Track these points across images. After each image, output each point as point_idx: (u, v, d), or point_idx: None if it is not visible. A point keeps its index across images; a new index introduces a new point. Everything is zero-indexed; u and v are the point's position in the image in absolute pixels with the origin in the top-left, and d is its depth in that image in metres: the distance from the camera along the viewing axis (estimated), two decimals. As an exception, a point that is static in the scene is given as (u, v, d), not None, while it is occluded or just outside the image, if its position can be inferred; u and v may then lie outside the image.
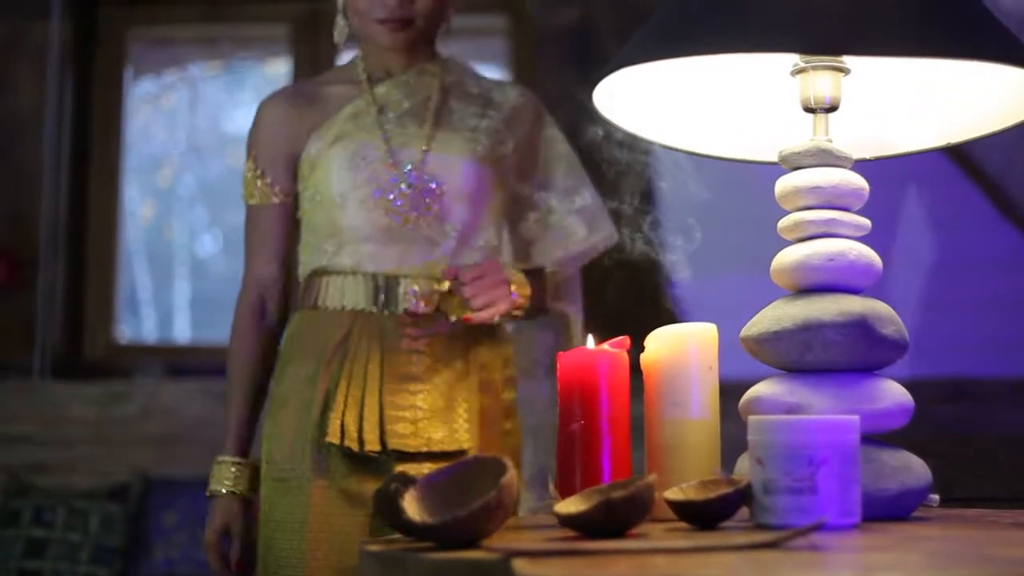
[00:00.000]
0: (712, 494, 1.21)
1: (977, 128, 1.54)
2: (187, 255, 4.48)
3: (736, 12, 1.37)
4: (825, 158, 1.42)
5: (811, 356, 1.37)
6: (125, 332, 4.27)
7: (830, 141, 1.43)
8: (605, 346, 1.37)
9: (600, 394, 1.34)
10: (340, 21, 2.03)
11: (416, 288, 1.95)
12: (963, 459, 3.48)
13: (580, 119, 1.76)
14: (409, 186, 1.97)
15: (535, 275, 2.01)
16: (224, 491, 1.97)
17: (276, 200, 2.04)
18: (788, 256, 1.42)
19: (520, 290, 1.94)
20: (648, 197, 2.03)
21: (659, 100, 1.59)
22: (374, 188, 1.96)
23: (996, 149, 3.67)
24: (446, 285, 1.92)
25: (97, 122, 4.25)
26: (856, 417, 1.20)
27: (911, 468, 1.36)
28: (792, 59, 1.46)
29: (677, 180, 1.90)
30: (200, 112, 4.49)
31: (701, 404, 1.37)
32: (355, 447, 1.88)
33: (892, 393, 1.38)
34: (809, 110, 1.46)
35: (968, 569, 0.92)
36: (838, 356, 1.36)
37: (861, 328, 1.35)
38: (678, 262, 2.05)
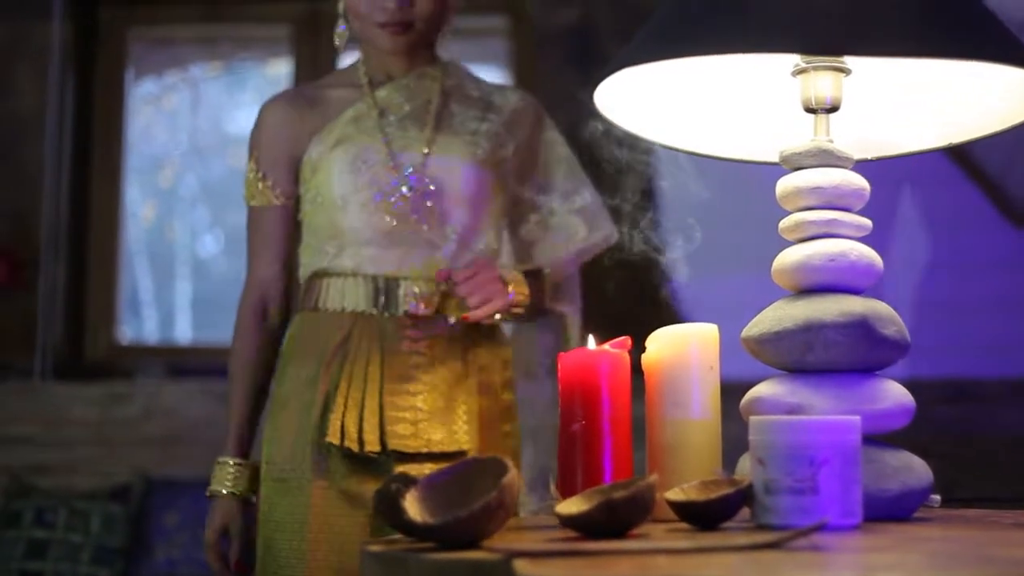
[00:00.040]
0: (713, 494, 1.21)
1: (977, 128, 1.54)
2: (188, 255, 4.48)
3: (737, 12, 1.37)
4: (826, 158, 1.42)
5: (812, 356, 1.37)
6: (126, 333, 4.27)
7: (831, 141, 1.43)
8: (606, 347, 1.37)
9: (601, 394, 1.34)
10: (341, 25, 2.04)
11: (416, 290, 1.95)
12: (964, 459, 3.48)
13: (581, 119, 1.76)
14: (410, 189, 1.97)
15: (534, 276, 2.02)
16: (224, 491, 1.98)
17: (277, 202, 2.05)
18: (789, 256, 1.42)
19: (518, 289, 1.94)
20: (649, 197, 2.03)
21: (660, 100, 1.59)
22: (375, 191, 1.97)
23: (996, 149, 3.67)
24: (444, 287, 1.93)
25: (98, 123, 4.26)
26: (857, 418, 1.20)
27: (912, 468, 1.36)
28: (793, 59, 1.46)
29: (678, 180, 1.90)
30: (201, 112, 4.49)
31: (702, 404, 1.37)
32: (355, 448, 1.88)
33: (893, 393, 1.38)
34: (810, 110, 1.46)
35: (969, 570, 0.92)
36: (839, 356, 1.36)
37: (862, 328, 1.35)
38: (679, 262, 2.04)
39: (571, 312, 2.12)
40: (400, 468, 1.85)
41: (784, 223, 1.44)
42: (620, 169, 1.94)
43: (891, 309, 1.40)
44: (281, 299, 2.06)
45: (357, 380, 1.92)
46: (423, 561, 1.06)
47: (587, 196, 2.08)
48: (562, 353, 1.39)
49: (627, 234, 2.00)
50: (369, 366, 1.92)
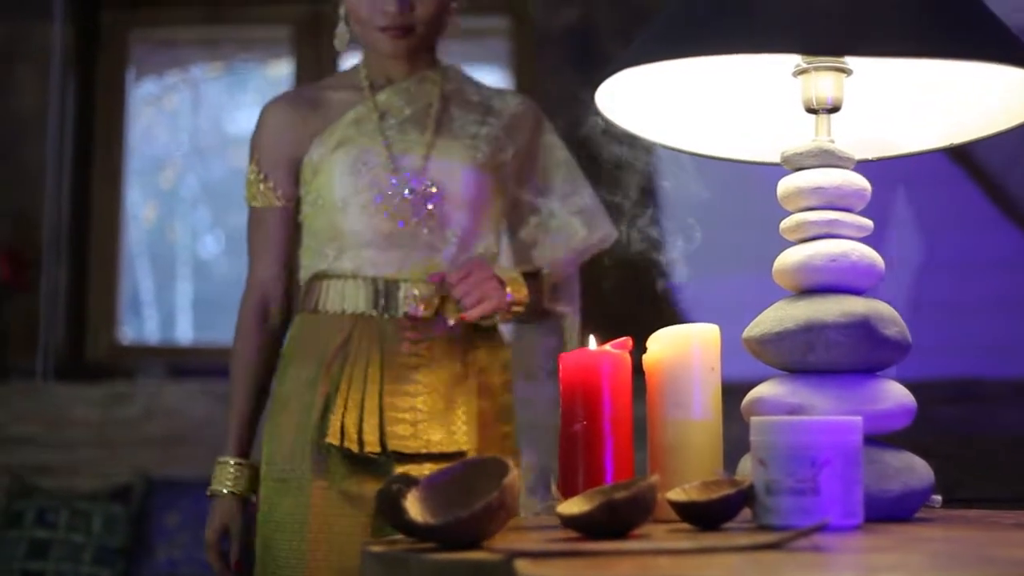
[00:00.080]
0: (714, 495, 1.21)
1: (978, 128, 1.54)
2: (189, 256, 4.48)
3: (738, 14, 1.37)
4: (827, 159, 1.42)
5: (813, 357, 1.37)
6: (128, 333, 4.27)
7: (832, 142, 1.43)
8: (607, 347, 1.37)
9: (602, 395, 1.34)
10: (342, 28, 2.04)
11: (416, 292, 1.96)
12: (965, 460, 3.48)
13: (581, 119, 1.76)
14: (410, 192, 1.97)
15: (533, 277, 2.02)
16: (224, 491, 1.98)
17: (279, 204, 2.05)
18: (790, 257, 1.42)
19: (516, 289, 1.94)
20: (650, 196, 2.03)
21: (661, 101, 1.59)
22: (375, 193, 1.97)
23: (997, 149, 3.67)
24: (442, 290, 1.93)
25: (99, 124, 4.26)
26: (859, 418, 1.20)
27: (914, 469, 1.36)
28: (794, 60, 1.46)
29: (679, 180, 1.90)
30: (202, 113, 4.49)
31: (703, 405, 1.37)
32: (355, 448, 1.89)
33: (894, 394, 1.38)
34: (811, 111, 1.46)
35: (970, 570, 0.92)
36: (840, 357, 1.36)
37: (863, 329, 1.35)
38: (680, 262, 2.04)
39: (570, 312, 2.12)
40: (400, 469, 1.85)
41: (785, 223, 1.44)
42: (620, 168, 1.94)
43: (892, 309, 1.40)
44: (282, 300, 2.07)
45: (357, 381, 1.92)
46: (424, 561, 1.06)
47: (586, 197, 2.08)
48: (563, 354, 1.39)
49: (627, 234, 2.00)
50: (369, 367, 1.93)
